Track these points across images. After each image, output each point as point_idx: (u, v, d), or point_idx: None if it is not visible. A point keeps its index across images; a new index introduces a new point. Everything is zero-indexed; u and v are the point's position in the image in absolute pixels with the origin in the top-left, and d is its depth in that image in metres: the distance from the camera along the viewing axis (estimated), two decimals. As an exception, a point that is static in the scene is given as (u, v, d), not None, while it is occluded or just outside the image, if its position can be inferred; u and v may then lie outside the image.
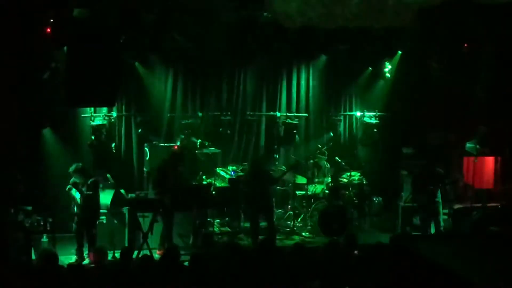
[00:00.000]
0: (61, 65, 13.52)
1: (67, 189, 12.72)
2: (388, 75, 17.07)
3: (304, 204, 15.40)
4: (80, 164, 12.85)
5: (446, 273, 7.79)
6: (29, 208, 12.81)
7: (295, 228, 14.98)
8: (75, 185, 12.50)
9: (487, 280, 7.53)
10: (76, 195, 12.60)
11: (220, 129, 16.55)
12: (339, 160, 16.20)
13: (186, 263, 9.36)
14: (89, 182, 12.59)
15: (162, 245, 13.03)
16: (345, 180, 15.96)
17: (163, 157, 14.04)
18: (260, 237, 13.32)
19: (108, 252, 12.66)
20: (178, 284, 8.55)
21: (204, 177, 15.33)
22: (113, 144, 15.64)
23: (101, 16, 13.03)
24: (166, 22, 14.11)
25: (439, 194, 13.79)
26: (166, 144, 15.69)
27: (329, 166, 16.09)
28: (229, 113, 16.75)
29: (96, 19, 12.92)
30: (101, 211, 13.11)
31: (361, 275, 8.77)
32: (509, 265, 8.12)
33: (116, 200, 13.41)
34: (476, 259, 8.48)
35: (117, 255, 12.70)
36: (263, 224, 13.85)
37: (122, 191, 13.80)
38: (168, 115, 16.36)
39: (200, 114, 16.38)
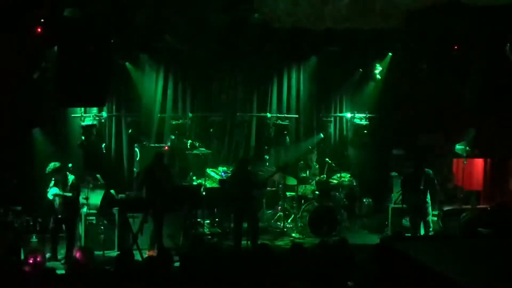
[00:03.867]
0: (51, 64, 13.51)
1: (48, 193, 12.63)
2: (378, 76, 17.11)
3: (294, 205, 15.41)
4: (58, 163, 12.70)
5: (435, 275, 7.80)
6: (19, 208, 12.77)
7: (285, 229, 14.99)
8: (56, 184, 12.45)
9: (476, 281, 7.55)
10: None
11: (211, 130, 16.58)
12: (329, 161, 16.23)
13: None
14: (69, 183, 12.53)
15: (152, 246, 13.00)
16: (335, 181, 16.00)
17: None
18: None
19: (98, 252, 12.65)
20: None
21: (194, 177, 15.33)
22: (103, 145, 15.66)
23: (92, 16, 13.01)
24: (156, 23, 14.11)
25: (428, 196, 13.83)
26: (156, 145, 15.69)
27: (318, 166, 16.09)
28: (219, 114, 16.77)
29: (87, 19, 12.91)
30: (91, 211, 13.09)
31: (351, 276, 8.79)
32: (498, 266, 8.14)
33: (106, 200, 13.38)
34: (465, 261, 8.49)
35: (107, 254, 12.70)
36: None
37: (112, 191, 13.78)
38: (159, 115, 16.38)
39: (190, 114, 16.40)
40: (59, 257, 12.60)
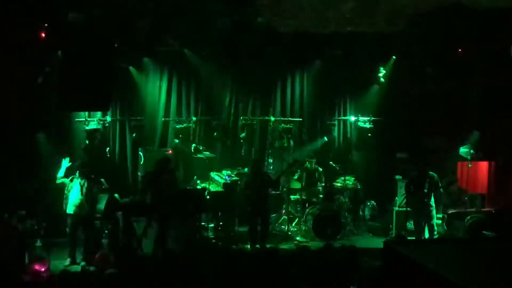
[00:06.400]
0: (55, 69, 13.53)
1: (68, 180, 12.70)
2: (382, 79, 17.10)
3: (298, 208, 15.39)
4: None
5: (439, 278, 7.78)
6: (23, 212, 12.79)
7: (289, 233, 14.97)
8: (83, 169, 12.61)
9: (481, 285, 7.53)
10: (76, 186, 12.61)
11: (215, 134, 16.56)
12: (334, 165, 16.21)
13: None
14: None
15: (156, 250, 12.99)
16: (339, 184, 15.98)
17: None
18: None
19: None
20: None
21: (198, 181, 15.31)
22: (107, 149, 15.64)
23: (96, 21, 13.04)
24: (160, 27, 14.12)
25: (432, 199, 13.81)
26: (160, 149, 15.69)
27: (321, 170, 16.05)
28: (223, 117, 16.77)
29: (91, 24, 12.93)
30: (95, 215, 13.10)
31: (355, 279, 8.79)
32: (503, 270, 8.12)
33: (110, 204, 13.39)
34: (470, 264, 8.46)
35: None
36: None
37: (116, 195, 13.78)
38: (162, 119, 16.38)
39: (194, 118, 16.40)
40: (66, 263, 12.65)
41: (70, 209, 12.69)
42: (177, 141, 16.05)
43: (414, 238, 13.84)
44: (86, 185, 12.61)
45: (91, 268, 11.66)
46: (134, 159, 15.88)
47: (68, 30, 12.73)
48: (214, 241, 14.32)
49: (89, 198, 12.68)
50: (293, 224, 15.30)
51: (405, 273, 8.56)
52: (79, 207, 12.62)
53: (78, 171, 12.72)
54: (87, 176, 12.69)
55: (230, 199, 14.43)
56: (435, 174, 13.91)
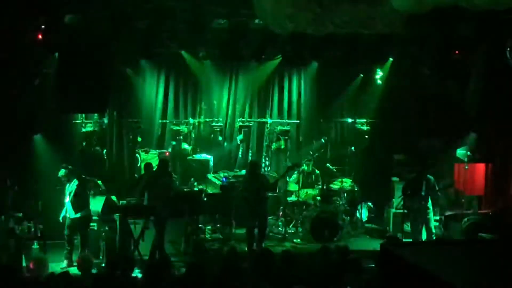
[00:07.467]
0: (52, 71, 13.52)
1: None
2: (379, 81, 17.10)
3: (295, 210, 15.38)
4: (70, 166, 12.86)
5: (436, 280, 7.78)
6: (20, 215, 12.78)
7: (286, 235, 14.96)
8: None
9: (477, 287, 7.53)
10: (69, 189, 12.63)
11: (212, 136, 16.57)
12: (331, 167, 16.21)
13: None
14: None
15: (153, 252, 12.98)
16: (336, 186, 15.97)
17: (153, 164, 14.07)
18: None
19: (98, 259, 12.63)
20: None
21: (195, 183, 15.31)
22: (105, 151, 15.63)
23: (93, 22, 13.03)
24: (157, 29, 14.10)
25: (430, 201, 13.82)
26: (157, 151, 15.69)
27: (318, 172, 16.06)
28: (220, 119, 16.77)
29: (87, 25, 12.92)
30: (92, 217, 13.09)
31: (351, 281, 8.79)
32: (500, 271, 8.12)
33: (107, 206, 13.37)
34: (467, 266, 8.46)
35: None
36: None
37: (113, 197, 13.77)
38: (160, 121, 16.37)
39: (191, 120, 16.40)
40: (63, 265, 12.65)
41: (65, 211, 12.73)
42: (174, 142, 16.05)
43: (411, 240, 13.86)
44: (75, 187, 12.60)
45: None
46: (131, 161, 15.86)
47: (65, 31, 12.71)
48: (211, 243, 14.31)
49: (81, 199, 12.67)
50: (290, 226, 15.30)
51: (403, 275, 8.56)
52: (73, 209, 12.64)
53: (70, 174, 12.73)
54: (78, 178, 12.69)
55: (227, 201, 14.42)
56: (431, 177, 13.92)
